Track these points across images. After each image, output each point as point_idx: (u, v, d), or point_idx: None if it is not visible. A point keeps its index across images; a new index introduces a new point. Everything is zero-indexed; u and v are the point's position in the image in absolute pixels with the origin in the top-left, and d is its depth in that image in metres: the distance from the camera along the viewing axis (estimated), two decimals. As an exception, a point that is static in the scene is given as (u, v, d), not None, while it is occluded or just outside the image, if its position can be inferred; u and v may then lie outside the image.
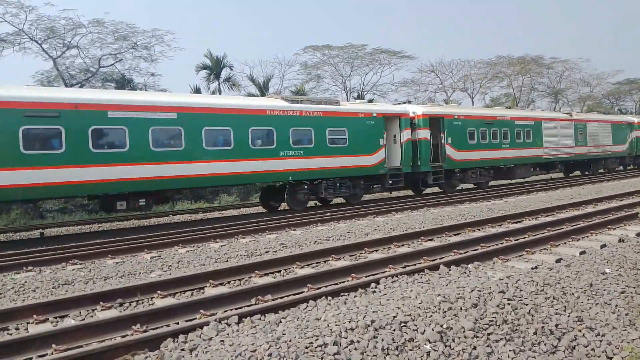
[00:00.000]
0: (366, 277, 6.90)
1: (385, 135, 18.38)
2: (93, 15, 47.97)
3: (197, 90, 33.93)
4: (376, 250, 9.10)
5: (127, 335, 5.06)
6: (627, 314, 5.35)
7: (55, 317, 5.99)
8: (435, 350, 4.34)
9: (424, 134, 19.79)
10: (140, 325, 5.23)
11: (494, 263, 7.61)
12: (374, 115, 18.27)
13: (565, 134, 27.31)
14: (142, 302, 6.58)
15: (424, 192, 22.33)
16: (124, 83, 32.49)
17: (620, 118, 35.40)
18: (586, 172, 30.94)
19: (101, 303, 6.25)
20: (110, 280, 7.89)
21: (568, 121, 27.89)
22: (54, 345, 4.71)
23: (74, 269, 8.77)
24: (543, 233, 9.70)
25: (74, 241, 12.01)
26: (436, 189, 22.72)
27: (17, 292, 7.31)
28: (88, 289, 7.38)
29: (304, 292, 6.37)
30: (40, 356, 4.68)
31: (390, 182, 18.62)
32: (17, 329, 5.70)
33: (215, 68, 35.79)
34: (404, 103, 27.84)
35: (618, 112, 59.36)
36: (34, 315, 5.80)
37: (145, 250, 10.16)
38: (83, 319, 5.95)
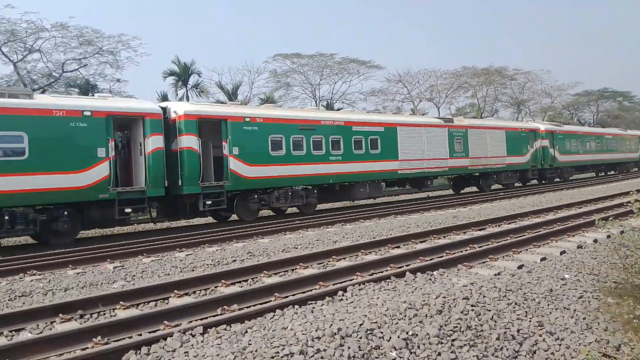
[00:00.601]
0: (333, 285, 6.91)
1: (112, 144, 13.13)
2: (57, 19, 46.74)
3: (165, 97, 33.45)
4: (344, 258, 9.13)
5: (88, 347, 4.91)
6: (584, 318, 5.52)
7: (11, 331, 5.75)
8: (400, 357, 4.37)
9: (189, 141, 14.36)
10: (101, 337, 5.08)
11: (458, 270, 7.75)
12: (88, 114, 12.74)
13: (435, 142, 22.14)
14: (104, 314, 6.39)
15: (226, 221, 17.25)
16: (88, 89, 31.72)
17: (520, 124, 30.65)
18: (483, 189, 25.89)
19: (61, 315, 6.04)
20: (71, 291, 7.64)
21: (439, 127, 22.72)
22: (8, 360, 4.53)
23: (32, 280, 8.45)
24: (506, 240, 9.94)
25: (32, 251, 11.59)
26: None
27: (-30, 305, 6.99)
28: (47, 300, 7.12)
29: (270, 301, 6.32)
30: (-7, 372, 4.49)
31: (127, 209, 13.16)
32: (-31, 343, 5.44)
33: (183, 74, 35.42)
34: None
35: (577, 122, 61.55)
36: (-12, 329, 5.56)
37: (108, 260, 9.90)
38: (41, 332, 5.74)
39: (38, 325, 5.95)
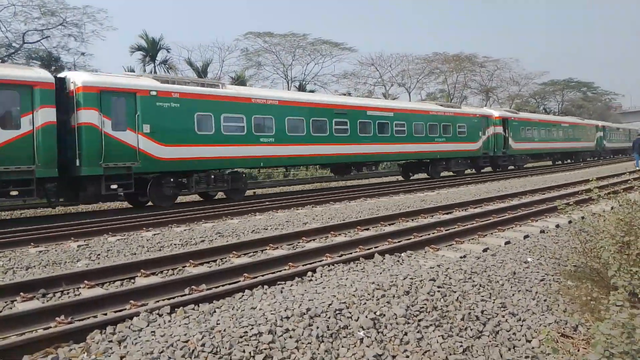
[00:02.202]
0: (303, 265, 6.93)
1: None
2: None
3: (132, 71, 32.48)
4: (314, 240, 9.16)
5: (50, 327, 4.79)
6: (545, 300, 5.71)
7: (-31, 310, 5.57)
8: (368, 337, 4.43)
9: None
10: (65, 316, 4.97)
11: (425, 252, 7.88)
12: None
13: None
14: (68, 293, 6.25)
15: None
16: (50, 61, 30.49)
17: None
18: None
19: (22, 294, 5.87)
20: (33, 270, 7.43)
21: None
22: (-34, 340, 4.38)
23: (-9, 258, 8.17)
24: (472, 224, 10.16)
25: (-9, 228, 11.18)
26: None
27: None
28: (7, 279, 6.90)
29: (239, 281, 6.30)
30: (-51, 352, 4.33)
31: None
32: None
33: (151, 50, 34.48)
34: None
35: (542, 111, 63.10)
36: (-56, 308, 5.36)
37: (72, 238, 9.65)
38: (0, 311, 5.56)
39: (-3, 304, 5.78)
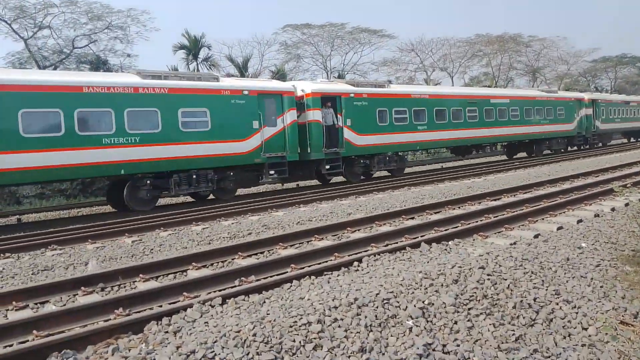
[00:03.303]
0: (349, 256, 6.96)
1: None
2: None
3: (175, 69, 33.32)
4: (358, 230, 9.17)
5: (110, 319, 5.03)
6: (601, 287, 5.50)
7: (36, 303, 5.93)
8: (417, 326, 4.41)
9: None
10: (123, 309, 5.21)
11: (473, 240, 7.74)
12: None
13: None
14: (124, 286, 6.54)
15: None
16: (99, 64, 31.70)
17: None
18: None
19: (82, 288, 6.19)
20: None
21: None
22: (34, 332, 4.67)
23: (53, 255, 8.65)
24: (521, 210, 9.88)
25: (52, 227, 11.82)
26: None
27: (-5, 279, 7.19)
28: (69, 274, 7.29)
29: (287, 272, 6.40)
30: (20, 342, 4.63)
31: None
32: (-4, 316, 5.62)
33: (193, 48, 35.15)
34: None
35: (594, 89, 60.19)
36: (14, 302, 5.73)
37: (126, 234, 10.06)
38: (64, 305, 5.89)
39: (61, 298, 6.12)
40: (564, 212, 9.59)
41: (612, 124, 34.74)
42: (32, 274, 7.38)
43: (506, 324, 4.60)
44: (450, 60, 51.02)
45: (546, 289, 5.30)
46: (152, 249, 8.65)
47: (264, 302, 5.10)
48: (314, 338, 4.12)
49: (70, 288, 6.26)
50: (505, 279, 5.39)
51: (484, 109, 23.49)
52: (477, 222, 8.94)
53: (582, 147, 32.30)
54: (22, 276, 7.29)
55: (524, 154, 29.17)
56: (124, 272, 6.75)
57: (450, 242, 7.41)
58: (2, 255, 8.74)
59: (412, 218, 10.05)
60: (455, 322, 4.52)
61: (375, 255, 6.70)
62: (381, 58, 51.04)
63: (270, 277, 6.22)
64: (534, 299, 5.05)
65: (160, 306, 5.43)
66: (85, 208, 17.30)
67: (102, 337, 4.47)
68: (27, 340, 4.60)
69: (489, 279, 5.32)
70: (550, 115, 27.96)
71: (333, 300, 4.74)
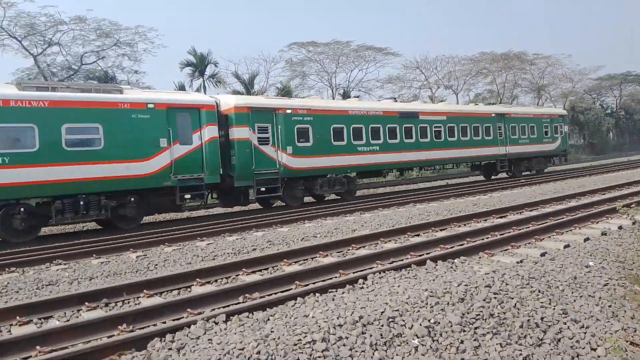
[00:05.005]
0: (354, 273, 6.92)
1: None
2: (75, 12, 47.22)
3: (182, 88, 33.64)
4: (363, 247, 9.12)
5: (114, 335, 5.00)
6: (610, 306, 5.43)
7: (40, 319, 5.90)
8: (423, 345, 4.36)
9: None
10: (126, 325, 5.18)
11: (480, 257, 7.68)
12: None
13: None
14: (129, 302, 6.51)
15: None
16: (107, 80, 32.07)
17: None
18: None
19: (86, 303, 6.17)
20: (96, 280, 7.80)
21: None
22: (38, 347, 4.64)
23: (58, 269, 8.65)
24: (528, 227, 9.81)
25: (57, 241, 11.84)
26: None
27: (-1, 293, 7.19)
28: (73, 289, 7.28)
29: (291, 289, 6.36)
30: (24, 358, 4.61)
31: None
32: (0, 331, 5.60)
33: (199, 65, 35.54)
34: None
35: (599, 107, 60.24)
36: (17, 317, 5.70)
37: (131, 249, 10.06)
38: (68, 320, 5.87)
39: (65, 313, 6.10)
40: (570, 230, 9.52)
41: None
42: (36, 289, 7.37)
43: (513, 343, 4.54)
44: (455, 77, 51.33)
45: (553, 308, 5.24)
46: (156, 265, 8.64)
47: (268, 319, 5.06)
48: (319, 357, 4.08)
49: (75, 303, 6.24)
50: (512, 298, 5.34)
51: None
52: (483, 239, 8.88)
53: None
54: (26, 291, 7.28)
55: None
56: (128, 287, 6.73)
57: (456, 260, 7.36)
58: (7, 269, 8.74)
59: (418, 235, 10.00)
60: (462, 342, 4.46)
61: (380, 273, 6.66)
62: (386, 75, 51.36)
63: (275, 294, 6.18)
64: (542, 318, 4.99)
65: (164, 322, 5.40)
66: (90, 223, 17.31)
67: (106, 353, 4.44)
68: (30, 356, 4.58)
69: (495, 298, 5.27)
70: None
71: (338, 318, 4.70)
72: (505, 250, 8.17)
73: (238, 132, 15.46)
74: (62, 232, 15.45)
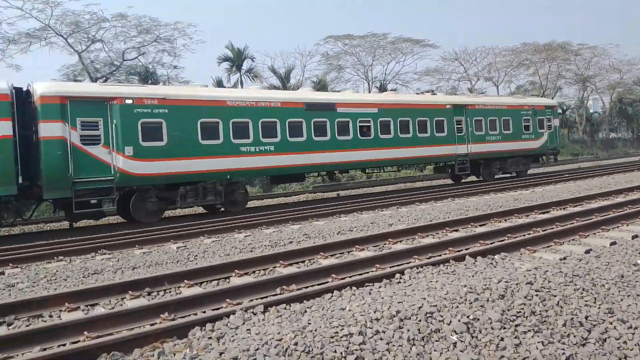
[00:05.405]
0: (391, 267, 6.88)
1: None
2: (116, 9, 48.63)
3: (220, 83, 34.17)
4: (400, 241, 9.06)
5: (156, 323, 5.16)
6: (660, 306, 5.20)
7: (86, 305, 6.14)
8: (462, 341, 4.30)
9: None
10: (168, 313, 5.33)
11: (521, 254, 7.50)
12: None
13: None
14: (170, 291, 6.70)
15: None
16: (147, 76, 32.89)
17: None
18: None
19: (130, 292, 6.38)
20: (138, 270, 8.05)
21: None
22: (85, 333, 4.84)
23: (102, 259, 8.97)
24: (572, 223, 9.51)
25: (102, 232, 12.27)
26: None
27: (49, 281, 7.52)
28: (117, 278, 7.53)
29: (328, 282, 6.38)
30: (73, 342, 4.81)
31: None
32: (50, 316, 5.86)
33: (236, 60, 35.95)
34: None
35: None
36: (66, 304, 5.96)
37: (172, 240, 10.32)
38: (113, 308, 6.09)
39: (110, 301, 6.32)
40: (617, 227, 9.16)
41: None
42: (83, 277, 7.67)
43: (556, 342, 4.42)
44: (495, 69, 50.03)
45: (599, 307, 5.06)
46: (196, 255, 8.84)
47: (305, 311, 5.10)
48: (356, 350, 4.08)
49: (119, 292, 6.46)
50: (555, 296, 5.19)
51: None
52: (524, 235, 8.66)
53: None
54: (74, 279, 7.59)
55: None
56: (169, 277, 6.92)
57: (496, 256, 7.21)
58: (55, 258, 9.13)
59: (457, 230, 9.85)
60: (502, 339, 4.38)
61: (417, 268, 6.60)
62: (424, 67, 50.60)
63: (311, 286, 6.22)
64: (586, 317, 4.83)
65: (204, 312, 5.52)
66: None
67: (149, 340, 4.58)
68: (79, 341, 4.78)
69: (537, 295, 5.14)
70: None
71: (375, 312, 4.69)
72: (548, 246, 7.95)
73: (46, 129, 12.21)
74: (106, 223, 16.00)
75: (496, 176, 22.85)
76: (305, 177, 19.94)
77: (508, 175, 23.53)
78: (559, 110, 26.74)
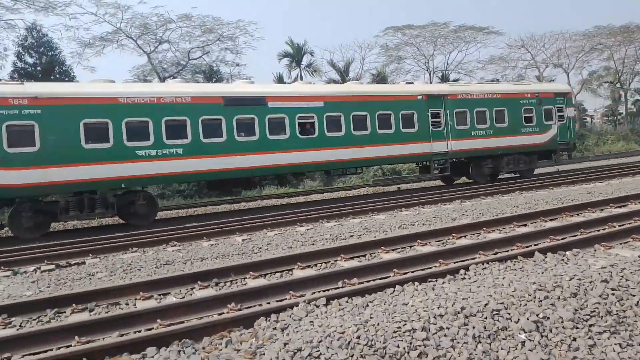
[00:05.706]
0: (455, 263, 6.74)
1: None
2: (181, 10, 50.48)
3: (280, 79, 34.68)
4: (465, 236, 8.84)
5: (224, 313, 5.36)
6: None
7: (159, 294, 6.49)
8: (530, 340, 4.16)
9: None
10: (235, 303, 5.52)
11: (595, 250, 7.10)
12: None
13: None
14: (236, 282, 6.93)
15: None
16: (211, 74, 33.96)
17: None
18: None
19: (199, 282, 6.66)
20: (206, 261, 8.38)
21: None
22: (159, 320, 5.11)
23: (173, 250, 9.42)
24: (652, 218, 8.87)
25: (172, 224, 12.87)
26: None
27: (125, 270, 8.00)
28: (187, 269, 7.89)
29: (390, 276, 6.35)
30: (147, 329, 5.10)
31: None
32: (126, 304, 6.24)
33: (296, 55, 36.36)
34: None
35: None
36: (141, 292, 6.31)
37: (237, 233, 10.65)
38: (183, 297, 6.39)
39: (180, 290, 6.64)
40: None
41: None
42: (155, 267, 8.10)
43: (635, 345, 4.17)
44: (565, 55, 47.33)
45: (684, 309, 4.71)
46: (260, 248, 9.07)
47: (367, 305, 5.11)
48: (419, 345, 4.05)
49: (189, 282, 6.77)
50: (634, 295, 4.88)
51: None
52: (599, 230, 8.19)
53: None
54: (147, 269, 8.03)
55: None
56: (235, 269, 7.16)
57: (567, 252, 6.86)
58: (130, 249, 9.69)
59: (525, 225, 9.47)
60: (574, 339, 4.19)
61: (483, 264, 6.42)
62: (488, 56, 48.79)
63: (373, 280, 6.23)
64: (670, 319, 4.51)
65: (269, 303, 5.67)
66: (200, 208, 18.61)
67: (217, 329, 4.78)
68: (152, 328, 5.06)
69: (613, 294, 4.86)
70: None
71: (438, 308, 4.63)
72: (625, 242, 7.47)
73: None
74: (175, 216, 16.75)
75: (499, 177, 20.31)
76: (230, 185, 17.92)
77: (510, 175, 20.63)
78: (572, 100, 22.16)
